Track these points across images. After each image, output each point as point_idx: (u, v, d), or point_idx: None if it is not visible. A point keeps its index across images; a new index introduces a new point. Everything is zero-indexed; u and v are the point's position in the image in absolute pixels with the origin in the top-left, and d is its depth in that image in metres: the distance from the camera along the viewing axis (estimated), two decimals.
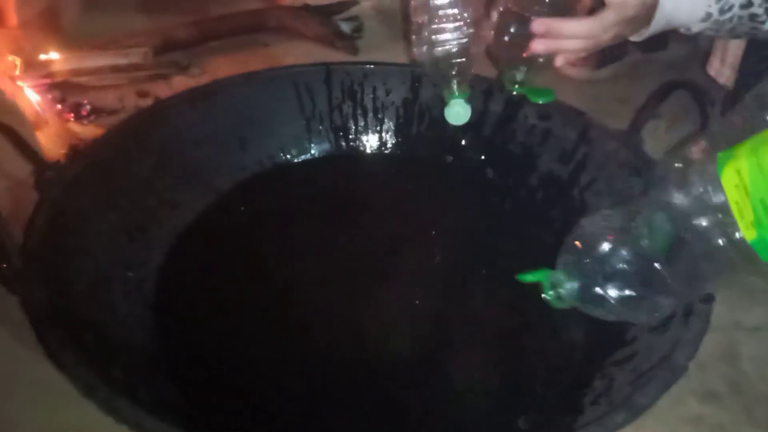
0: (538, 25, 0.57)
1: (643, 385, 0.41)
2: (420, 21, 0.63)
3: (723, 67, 0.87)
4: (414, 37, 0.65)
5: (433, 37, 0.63)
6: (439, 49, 0.63)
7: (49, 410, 0.53)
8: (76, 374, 0.39)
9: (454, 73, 0.64)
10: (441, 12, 0.62)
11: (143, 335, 0.55)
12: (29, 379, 0.56)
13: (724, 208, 0.42)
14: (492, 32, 0.63)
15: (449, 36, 0.63)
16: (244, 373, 0.54)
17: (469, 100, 0.66)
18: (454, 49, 0.63)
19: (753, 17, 0.57)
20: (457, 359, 0.57)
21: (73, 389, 0.52)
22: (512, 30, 0.61)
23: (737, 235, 0.42)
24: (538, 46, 0.58)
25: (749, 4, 0.56)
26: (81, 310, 0.49)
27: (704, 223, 0.43)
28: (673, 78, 0.59)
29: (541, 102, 0.66)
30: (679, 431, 0.54)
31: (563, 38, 0.57)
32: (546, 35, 0.57)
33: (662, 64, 0.99)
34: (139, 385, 0.49)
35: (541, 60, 0.62)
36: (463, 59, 0.63)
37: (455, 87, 0.65)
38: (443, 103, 0.66)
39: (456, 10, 0.62)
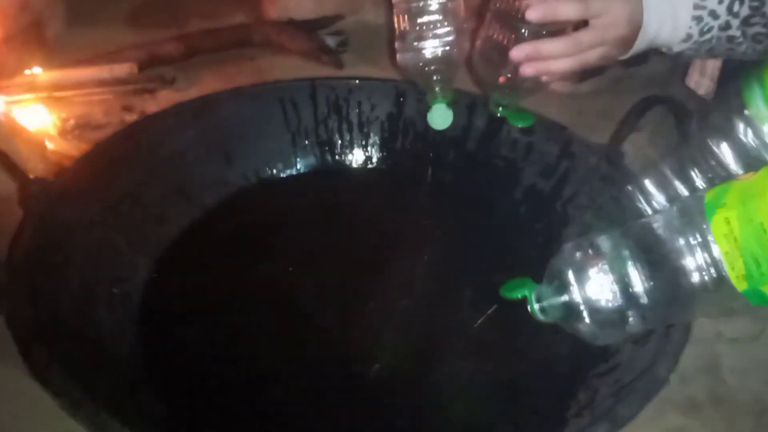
0: (517, 51, 0.57)
1: (625, 396, 0.42)
2: (403, 27, 0.64)
3: (702, 79, 0.89)
4: (397, 43, 0.66)
5: (416, 43, 0.64)
6: (423, 54, 0.64)
7: (36, 424, 0.53)
8: (61, 391, 0.39)
9: (436, 78, 0.65)
10: (424, 18, 0.63)
11: (129, 350, 0.55)
12: (14, 392, 0.55)
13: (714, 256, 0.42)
14: (476, 57, 0.64)
15: (432, 42, 0.64)
16: (230, 387, 0.54)
17: (451, 105, 0.67)
18: (438, 55, 0.64)
19: (731, 39, 0.58)
20: (441, 371, 0.57)
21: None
22: (495, 56, 0.62)
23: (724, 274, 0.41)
24: (527, 70, 0.58)
25: (727, 27, 0.57)
26: (66, 326, 0.49)
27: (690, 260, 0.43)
28: (651, 93, 0.60)
29: (519, 126, 0.68)
30: None
31: (546, 60, 0.58)
32: (527, 59, 0.58)
33: (643, 78, 1.00)
34: (125, 400, 0.49)
35: (525, 85, 0.63)
36: (446, 65, 0.64)
37: (438, 92, 0.66)
38: (427, 112, 0.67)
39: (439, 17, 0.63)
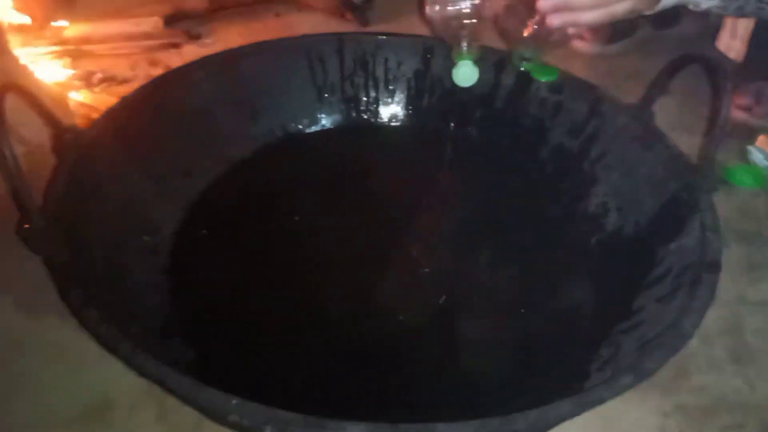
0: (545, 2, 0.57)
1: (649, 351, 0.42)
2: None
3: (733, 42, 0.87)
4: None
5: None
6: (451, 9, 0.63)
7: (69, 369, 0.55)
8: (98, 331, 0.40)
9: (464, 33, 0.65)
10: None
11: (159, 298, 0.56)
12: (48, 340, 0.57)
13: None
14: (502, 9, 0.63)
15: None
16: (254, 335, 0.55)
17: (478, 63, 0.66)
18: (466, 10, 0.63)
19: None
20: (466, 328, 0.58)
21: (90, 350, 0.54)
22: (521, 7, 0.62)
23: None
24: (554, 20, 0.57)
25: None
26: (100, 270, 0.50)
27: None
28: (685, 52, 0.59)
29: (543, 80, 0.67)
30: (683, 402, 0.56)
31: (573, 11, 0.57)
32: (556, 9, 0.57)
33: (673, 39, 0.99)
34: (155, 344, 0.50)
35: (550, 39, 0.62)
36: (474, 21, 0.64)
37: (464, 49, 0.65)
38: (453, 68, 0.67)
39: None
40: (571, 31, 0.61)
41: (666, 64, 0.60)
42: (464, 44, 0.65)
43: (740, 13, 0.61)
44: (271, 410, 0.36)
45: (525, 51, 0.65)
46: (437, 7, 0.63)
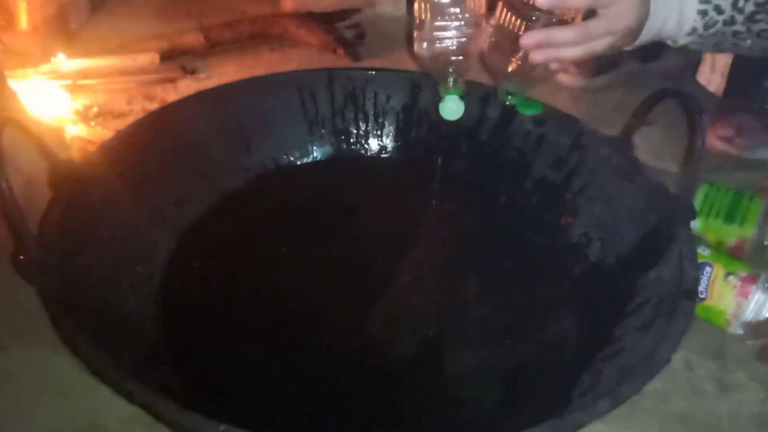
0: (528, 38, 0.58)
1: (628, 377, 0.43)
2: (423, 17, 0.65)
3: (713, 75, 0.90)
4: (416, 33, 0.66)
5: (434, 33, 0.65)
6: (439, 45, 0.65)
7: (60, 396, 0.56)
8: (89, 358, 0.41)
9: (451, 69, 0.66)
10: (443, 10, 0.64)
11: (150, 327, 0.57)
12: (40, 368, 0.58)
13: None
14: (487, 46, 0.65)
15: (450, 33, 0.64)
16: (244, 365, 0.56)
17: (464, 97, 0.67)
18: (453, 47, 0.65)
19: (735, 34, 0.59)
20: (453, 357, 0.59)
21: (82, 379, 0.55)
22: (505, 44, 0.63)
23: None
24: (537, 56, 0.59)
25: (732, 22, 0.58)
26: (92, 300, 0.51)
27: None
28: (663, 87, 0.61)
29: (528, 113, 0.69)
30: (665, 428, 0.57)
31: (556, 47, 0.59)
32: (538, 47, 0.59)
33: (657, 73, 1.01)
34: (147, 372, 0.51)
35: (534, 74, 0.64)
36: (461, 57, 0.65)
37: (451, 83, 0.67)
38: (440, 103, 0.68)
39: (457, 9, 0.64)
40: (553, 66, 0.63)
41: (644, 98, 0.62)
42: (450, 79, 0.67)
43: (717, 49, 0.64)
44: None
45: (510, 86, 0.67)
46: (425, 45, 0.66)
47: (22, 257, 0.46)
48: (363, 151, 0.80)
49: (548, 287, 0.66)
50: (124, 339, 0.53)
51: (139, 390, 0.39)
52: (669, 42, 0.62)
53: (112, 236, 0.58)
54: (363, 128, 0.80)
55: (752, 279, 0.61)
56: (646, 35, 0.59)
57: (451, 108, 0.68)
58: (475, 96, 0.74)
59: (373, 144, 0.80)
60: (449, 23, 0.65)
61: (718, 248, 0.67)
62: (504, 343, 0.60)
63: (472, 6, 0.65)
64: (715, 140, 0.87)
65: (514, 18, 0.61)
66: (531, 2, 0.57)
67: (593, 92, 0.99)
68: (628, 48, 0.62)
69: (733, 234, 0.68)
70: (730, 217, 0.68)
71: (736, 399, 0.59)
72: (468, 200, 0.76)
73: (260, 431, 0.38)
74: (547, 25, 0.58)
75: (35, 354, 0.58)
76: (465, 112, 0.70)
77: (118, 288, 0.57)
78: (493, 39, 0.64)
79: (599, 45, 0.59)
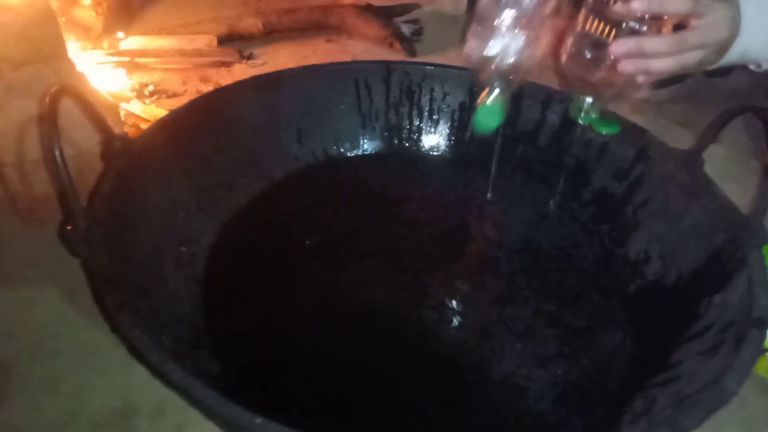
0: (620, 45, 0.54)
1: (687, 407, 0.40)
2: (482, 16, 0.60)
3: None
4: (470, 30, 0.62)
5: (489, 36, 0.60)
6: (491, 50, 0.60)
7: (96, 372, 0.55)
8: (130, 337, 0.40)
9: (497, 79, 0.62)
10: (505, 14, 0.61)
11: (191, 309, 0.56)
12: (78, 341, 0.58)
13: None
14: (566, 55, 0.62)
15: (505, 41, 0.60)
16: (283, 353, 0.55)
17: (503, 109, 0.62)
18: (506, 56, 0.60)
19: None
20: (498, 370, 0.56)
21: (119, 356, 0.54)
22: (588, 55, 0.58)
23: None
24: (627, 67, 0.55)
25: None
26: (136, 278, 0.51)
27: None
28: (737, 101, 0.58)
29: (605, 132, 0.64)
30: None
31: (647, 57, 0.55)
32: (629, 56, 0.55)
33: (725, 90, 0.97)
34: (184, 355, 0.50)
35: (617, 87, 0.59)
36: (512, 69, 0.61)
37: (493, 94, 0.62)
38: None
39: (520, 17, 0.60)
40: (640, 80, 0.57)
41: (721, 112, 0.58)
42: (495, 89, 0.62)
43: None
44: (293, 431, 0.36)
45: (584, 102, 0.62)
46: (477, 45, 0.60)
47: (69, 228, 0.45)
48: (414, 148, 0.79)
49: (602, 303, 0.62)
50: (164, 320, 0.52)
51: (177, 373, 0.38)
52: (752, 66, 0.59)
53: (160, 215, 0.58)
54: (416, 124, 0.78)
55: None
56: (732, 54, 0.56)
57: (486, 117, 0.62)
58: (536, 99, 0.72)
59: (426, 141, 0.78)
60: (508, 31, 0.60)
61: None
62: (551, 358, 0.57)
63: (536, 17, 0.60)
64: None
65: (600, 25, 0.57)
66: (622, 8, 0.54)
67: (657, 104, 0.95)
68: (712, 67, 0.59)
69: None
70: None
71: None
72: (521, 206, 0.73)
73: (297, 424, 0.36)
74: (637, 34, 0.55)
75: (74, 328, 0.58)
76: (522, 116, 0.67)
77: (162, 267, 0.56)
78: (573, 47, 0.59)
79: (691, 58, 0.55)
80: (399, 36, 1.05)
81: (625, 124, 0.67)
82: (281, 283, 0.61)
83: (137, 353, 0.40)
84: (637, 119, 0.71)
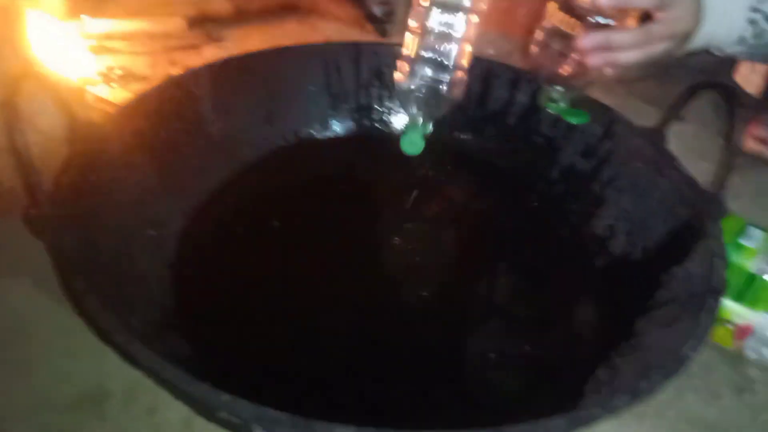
0: (587, 40, 0.55)
1: (647, 374, 0.42)
2: (409, 47, 0.61)
3: (752, 75, 0.87)
4: (398, 62, 0.62)
5: (416, 66, 0.61)
6: (417, 80, 0.61)
7: (67, 357, 0.55)
8: (96, 319, 0.40)
9: (419, 107, 0.62)
10: (431, 47, 0.60)
11: (161, 293, 0.56)
12: (49, 326, 0.58)
13: None
14: (536, 47, 0.62)
15: (430, 72, 0.61)
16: (254, 335, 0.55)
17: (425, 137, 0.64)
18: (429, 87, 0.61)
19: None
20: (466, 343, 0.57)
21: (91, 340, 0.54)
22: (556, 47, 0.60)
23: None
24: (594, 60, 0.56)
25: None
26: (103, 260, 0.51)
27: None
28: (703, 79, 0.59)
29: (574, 122, 0.65)
30: (677, 428, 0.55)
31: (614, 50, 0.56)
32: (595, 49, 0.56)
33: (693, 67, 0.98)
34: (154, 337, 0.50)
35: (578, 81, 0.61)
36: (435, 101, 0.62)
37: (416, 120, 0.63)
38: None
39: (447, 51, 0.59)
40: (608, 71, 0.59)
41: (684, 89, 0.60)
42: (419, 116, 0.63)
43: (764, 59, 0.62)
44: (260, 408, 0.36)
45: (554, 92, 0.63)
46: (404, 75, 0.61)
47: (32, 211, 0.45)
48: (385, 129, 0.79)
49: (570, 278, 0.64)
50: (133, 302, 0.52)
51: (144, 353, 0.38)
52: (715, 51, 0.60)
53: (127, 199, 0.58)
54: (387, 105, 0.78)
55: (749, 328, 0.58)
56: (697, 42, 0.57)
57: (411, 143, 0.64)
58: (505, 78, 0.73)
59: (396, 122, 0.79)
60: (432, 62, 0.60)
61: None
62: (520, 332, 0.58)
63: (459, 53, 0.60)
64: (750, 141, 0.84)
65: (568, 19, 0.58)
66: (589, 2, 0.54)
67: (626, 83, 0.96)
68: (677, 55, 0.60)
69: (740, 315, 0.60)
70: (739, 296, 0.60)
71: (751, 403, 0.57)
72: (491, 185, 0.74)
73: (264, 403, 0.37)
74: (604, 28, 0.56)
75: (45, 312, 0.58)
76: (491, 96, 0.68)
77: (131, 251, 0.56)
78: (542, 40, 0.61)
79: (657, 49, 0.56)
80: (371, 17, 1.05)
81: (591, 103, 0.67)
82: (252, 265, 0.61)
83: (104, 335, 0.40)
84: (607, 98, 0.72)
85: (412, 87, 0.61)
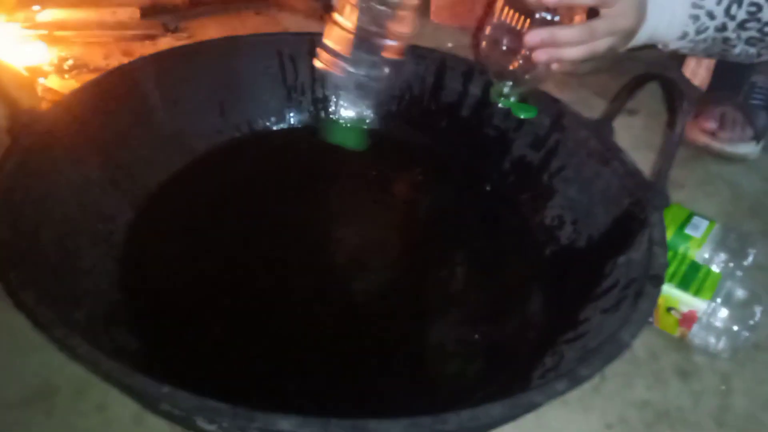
0: (533, 36, 0.56)
1: (587, 359, 0.43)
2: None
3: (698, 68, 0.89)
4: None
5: (351, 64, 0.60)
6: (358, 75, 0.61)
7: (13, 353, 0.54)
8: (34, 313, 0.40)
9: (356, 99, 0.63)
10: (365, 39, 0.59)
11: (108, 286, 0.56)
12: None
13: None
14: (484, 44, 0.63)
15: (365, 69, 0.61)
16: (204, 329, 0.55)
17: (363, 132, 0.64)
18: (368, 84, 0.61)
19: (726, 40, 0.59)
20: (417, 333, 0.58)
21: (37, 336, 0.53)
22: (504, 43, 0.60)
23: None
24: (541, 56, 0.57)
25: (723, 29, 0.58)
26: (46, 254, 0.50)
27: None
28: (647, 71, 0.60)
29: (523, 116, 0.66)
30: (625, 414, 0.56)
31: (559, 46, 0.57)
32: (541, 45, 0.57)
33: (644, 61, 1.00)
34: (100, 331, 0.50)
35: (533, 74, 0.61)
36: (366, 92, 0.62)
37: (359, 113, 0.64)
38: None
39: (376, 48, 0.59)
40: (554, 66, 0.60)
41: (627, 81, 0.61)
42: (360, 111, 0.64)
43: (707, 54, 0.63)
44: (201, 399, 0.36)
45: (504, 86, 0.64)
46: (347, 69, 0.60)
47: None
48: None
49: (521, 268, 0.65)
50: (78, 297, 0.51)
51: (82, 348, 0.38)
52: (660, 45, 0.61)
53: (72, 191, 0.57)
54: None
55: (694, 315, 0.60)
56: (640, 37, 0.58)
57: (347, 137, 0.64)
58: (458, 71, 0.73)
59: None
60: (366, 58, 0.60)
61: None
62: (471, 322, 0.59)
63: (386, 47, 0.60)
64: (697, 133, 0.87)
65: (515, 15, 0.58)
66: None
67: (578, 76, 0.98)
68: (623, 49, 0.61)
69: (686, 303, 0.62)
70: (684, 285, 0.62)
71: (697, 389, 0.59)
72: (445, 176, 0.75)
73: (215, 396, 0.36)
74: (550, 24, 0.56)
75: None
76: (445, 89, 0.68)
77: (76, 244, 0.55)
78: (491, 36, 0.61)
79: (601, 45, 0.57)
80: (329, 9, 1.04)
81: (541, 96, 0.68)
82: (202, 258, 0.61)
83: (41, 329, 0.39)
84: (559, 91, 0.74)
85: (347, 75, 0.61)
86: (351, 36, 0.60)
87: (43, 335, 0.40)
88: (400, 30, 0.59)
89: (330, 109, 0.78)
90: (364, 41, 0.59)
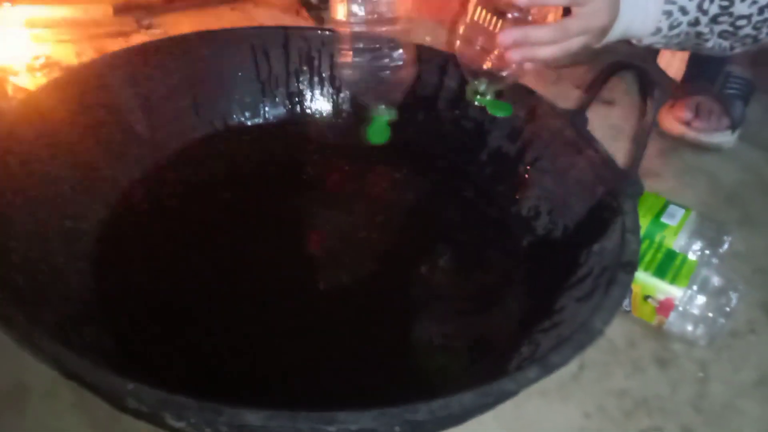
0: (505, 36, 0.56)
1: (560, 347, 0.42)
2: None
3: (673, 59, 0.90)
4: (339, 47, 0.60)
5: (357, 55, 0.60)
6: (366, 67, 0.61)
7: None
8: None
9: (376, 102, 0.62)
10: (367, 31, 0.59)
11: (80, 285, 0.55)
12: None
13: None
14: (459, 42, 0.63)
15: (375, 59, 0.60)
16: (176, 327, 0.54)
17: (390, 124, 0.63)
18: (381, 73, 0.61)
19: (699, 35, 0.59)
20: (395, 325, 0.58)
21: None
22: (478, 42, 0.60)
23: None
24: (514, 55, 0.57)
25: (696, 23, 0.58)
26: (14, 252, 0.49)
27: None
28: (618, 59, 0.60)
29: (498, 115, 0.66)
30: (603, 403, 0.56)
31: (532, 45, 0.57)
32: (514, 45, 0.57)
33: (621, 53, 1.00)
34: (71, 331, 0.49)
35: (507, 73, 0.61)
36: (387, 85, 0.61)
37: (381, 109, 0.63)
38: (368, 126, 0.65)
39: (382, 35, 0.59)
40: (527, 66, 0.60)
41: (600, 71, 0.61)
42: (381, 105, 0.62)
43: (680, 48, 0.64)
44: (167, 395, 0.35)
45: (479, 85, 0.64)
46: (349, 63, 0.60)
47: None
48: (317, 115, 0.78)
49: (500, 260, 0.65)
50: (48, 295, 0.50)
51: (44, 345, 0.37)
52: (634, 41, 0.62)
53: (41, 189, 0.55)
54: (318, 91, 0.78)
55: (671, 303, 0.61)
56: (613, 34, 0.58)
57: (377, 133, 0.64)
58: (434, 63, 0.73)
59: (328, 108, 0.78)
60: (369, 49, 0.60)
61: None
62: (449, 312, 0.59)
63: (391, 34, 0.60)
64: (673, 123, 0.87)
65: (488, 15, 0.58)
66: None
67: (556, 69, 0.98)
68: (597, 46, 0.61)
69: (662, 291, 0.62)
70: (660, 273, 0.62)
71: (675, 377, 0.60)
72: (422, 169, 0.74)
73: (185, 393, 0.36)
74: (523, 23, 0.56)
75: None
76: (422, 81, 0.68)
77: (46, 243, 0.54)
78: (465, 35, 0.61)
79: (574, 44, 0.57)
80: (306, 4, 1.04)
81: (516, 87, 0.68)
82: (176, 258, 0.60)
83: (4, 327, 0.38)
84: (537, 83, 0.74)
85: (356, 76, 0.61)
86: (349, 30, 0.59)
87: (7, 334, 0.39)
88: (392, 13, 0.59)
89: (305, 104, 0.78)
90: (362, 33, 0.59)
